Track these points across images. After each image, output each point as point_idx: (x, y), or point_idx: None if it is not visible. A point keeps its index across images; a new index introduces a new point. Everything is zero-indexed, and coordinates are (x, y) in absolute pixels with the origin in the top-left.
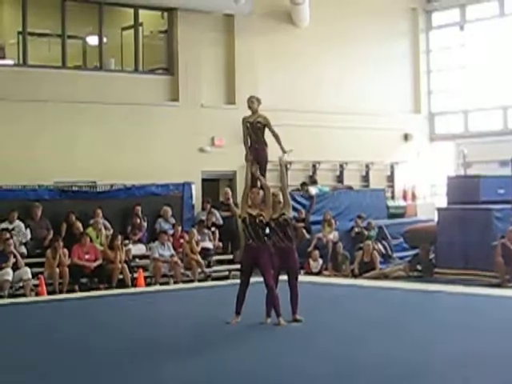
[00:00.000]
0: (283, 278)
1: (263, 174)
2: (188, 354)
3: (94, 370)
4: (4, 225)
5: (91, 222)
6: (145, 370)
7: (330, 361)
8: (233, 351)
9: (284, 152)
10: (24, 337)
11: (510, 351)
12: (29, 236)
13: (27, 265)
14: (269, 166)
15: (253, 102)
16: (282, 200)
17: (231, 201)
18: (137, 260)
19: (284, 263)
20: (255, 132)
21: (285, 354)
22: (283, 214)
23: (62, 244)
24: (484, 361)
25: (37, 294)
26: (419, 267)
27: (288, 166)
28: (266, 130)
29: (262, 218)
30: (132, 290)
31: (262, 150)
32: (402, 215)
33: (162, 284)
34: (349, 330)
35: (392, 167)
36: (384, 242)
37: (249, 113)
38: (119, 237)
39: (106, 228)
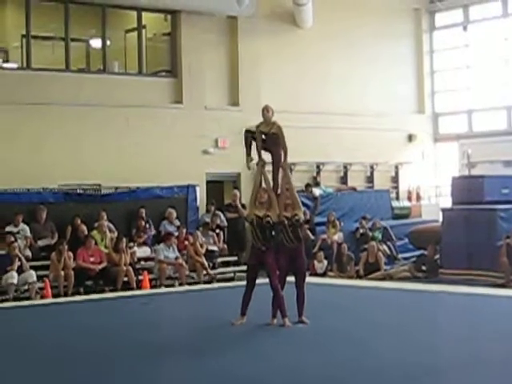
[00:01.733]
0: (290, 279)
1: (276, 175)
2: (191, 356)
3: (94, 372)
4: (9, 228)
5: (96, 224)
6: (147, 372)
7: (333, 363)
8: (236, 353)
9: (284, 164)
10: (24, 340)
11: None
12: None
13: (32, 268)
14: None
15: (268, 111)
16: (290, 202)
17: (238, 202)
18: (142, 262)
19: (292, 264)
20: (272, 141)
21: (287, 356)
22: (296, 214)
23: (66, 247)
24: (489, 363)
25: (42, 297)
26: (424, 268)
27: (292, 167)
28: None
29: (268, 219)
30: (137, 292)
31: (276, 152)
32: (406, 216)
33: (167, 286)
34: (353, 331)
35: (396, 168)
36: (389, 242)
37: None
38: (124, 239)
39: (110, 231)
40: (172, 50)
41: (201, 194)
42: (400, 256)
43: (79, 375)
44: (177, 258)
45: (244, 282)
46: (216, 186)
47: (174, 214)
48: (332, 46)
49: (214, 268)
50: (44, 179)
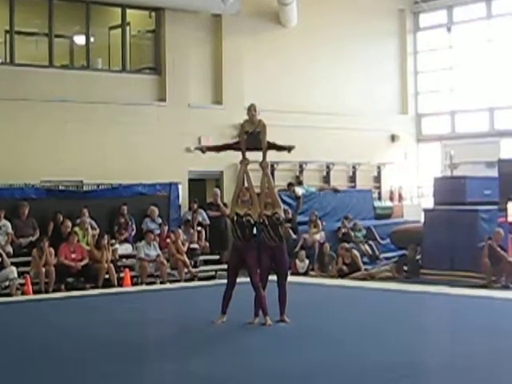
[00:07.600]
0: (272, 277)
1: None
2: (170, 355)
3: (70, 370)
4: None
5: (78, 221)
6: (124, 371)
7: (313, 363)
8: (215, 352)
9: (263, 163)
10: (2, 337)
11: (494, 353)
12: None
13: (13, 264)
14: (254, 166)
15: (255, 110)
16: (270, 200)
17: (219, 201)
18: (123, 260)
19: (274, 263)
20: (256, 139)
21: (268, 355)
22: (276, 212)
23: (47, 243)
24: (470, 364)
25: (23, 294)
26: (406, 268)
27: (275, 166)
28: None
29: (249, 217)
30: (118, 289)
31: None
32: (388, 216)
33: (148, 284)
34: (334, 331)
35: (379, 168)
36: (371, 242)
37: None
38: (106, 236)
39: (92, 227)
40: (156, 48)
41: (183, 191)
42: (382, 256)
43: (55, 374)
44: (158, 256)
45: (225, 281)
46: (198, 184)
47: (156, 212)
48: (316, 46)
49: (195, 266)
50: (26, 175)
